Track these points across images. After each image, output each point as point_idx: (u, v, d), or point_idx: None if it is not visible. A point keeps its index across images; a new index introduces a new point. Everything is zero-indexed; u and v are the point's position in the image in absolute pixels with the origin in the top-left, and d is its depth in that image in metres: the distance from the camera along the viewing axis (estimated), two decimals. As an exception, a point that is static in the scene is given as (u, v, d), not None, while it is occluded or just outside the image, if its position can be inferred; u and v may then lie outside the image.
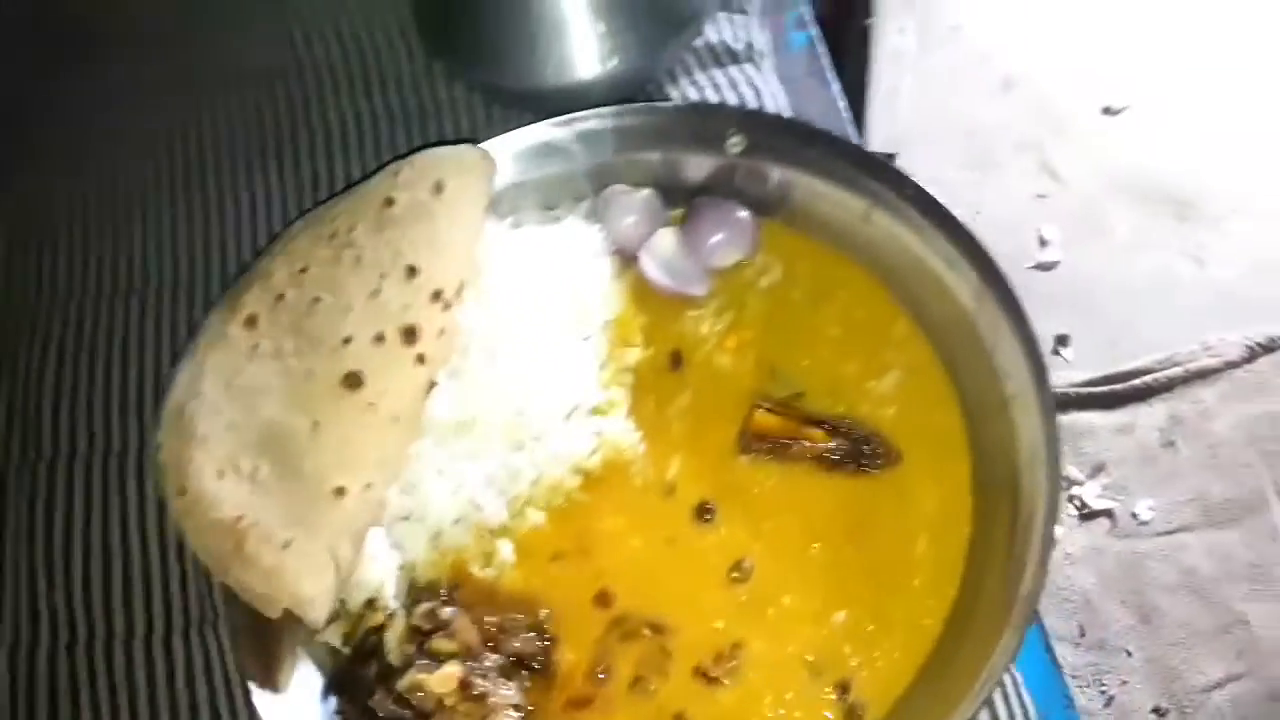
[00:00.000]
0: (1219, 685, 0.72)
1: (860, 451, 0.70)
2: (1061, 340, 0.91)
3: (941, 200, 0.71)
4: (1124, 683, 0.79)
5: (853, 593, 0.68)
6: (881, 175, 0.74)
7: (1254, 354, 1.06)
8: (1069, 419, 0.95)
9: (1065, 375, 1.02)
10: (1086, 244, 0.84)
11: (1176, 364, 0.94)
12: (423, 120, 0.88)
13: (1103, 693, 0.86)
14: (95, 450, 0.80)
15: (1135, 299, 0.89)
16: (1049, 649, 0.71)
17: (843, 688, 0.66)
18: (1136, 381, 1.01)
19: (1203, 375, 1.00)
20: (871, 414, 0.73)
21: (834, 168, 0.76)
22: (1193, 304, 0.96)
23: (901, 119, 1.13)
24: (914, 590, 0.67)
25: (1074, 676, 0.83)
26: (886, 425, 0.72)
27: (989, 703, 0.66)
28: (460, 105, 0.89)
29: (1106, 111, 1.32)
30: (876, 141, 1.30)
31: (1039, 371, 0.66)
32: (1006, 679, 0.67)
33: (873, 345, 0.75)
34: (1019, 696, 0.67)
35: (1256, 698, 0.72)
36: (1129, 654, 0.76)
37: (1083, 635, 0.85)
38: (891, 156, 1.29)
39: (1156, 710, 0.75)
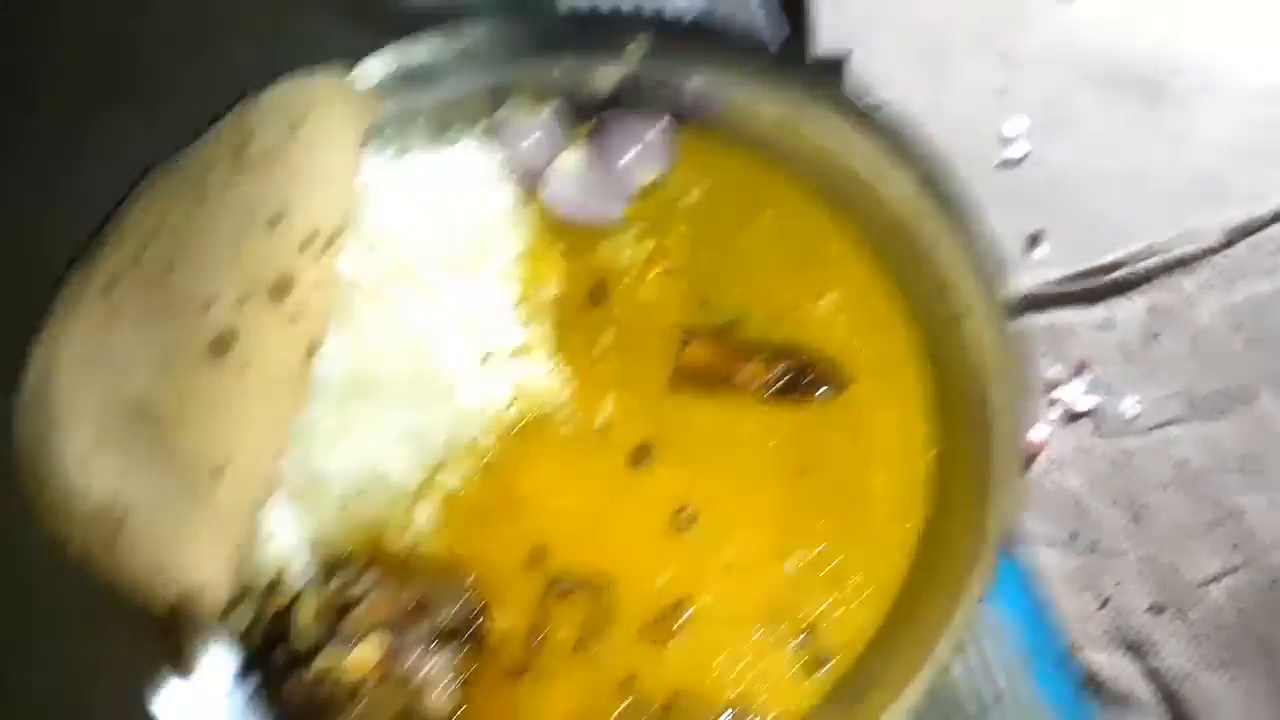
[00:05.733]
0: (1215, 579, 0.70)
1: (804, 379, 0.64)
2: (1034, 239, 0.86)
3: (878, 97, 0.65)
4: (1119, 584, 0.78)
5: (808, 534, 0.62)
6: (801, 75, 0.67)
7: (1233, 238, 1.03)
8: (1047, 318, 0.91)
9: (1041, 274, 0.98)
10: (1053, 136, 0.79)
11: (1155, 254, 0.90)
12: (297, 49, 0.78)
13: (1098, 596, 0.84)
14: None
15: (1109, 189, 0.84)
16: (1034, 583, 0.66)
17: (804, 636, 0.60)
18: (1115, 275, 0.97)
19: (1182, 263, 0.96)
20: (814, 338, 0.66)
21: (748, 71, 0.69)
22: (1168, 190, 0.91)
23: (850, 16, 1.06)
24: (875, 525, 0.62)
25: (1068, 581, 0.81)
26: (831, 349, 0.66)
27: (968, 643, 0.61)
28: (329, 27, 0.79)
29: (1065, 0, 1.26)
30: (825, 41, 1.22)
31: (990, 279, 0.60)
32: (990, 617, 0.63)
33: (809, 264, 0.68)
34: (1003, 636, 0.62)
35: (1254, 589, 0.70)
36: (1123, 554, 0.73)
37: (1075, 539, 0.83)
38: (839, 61, 1.20)
39: (1153, 608, 0.72)
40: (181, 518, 0.57)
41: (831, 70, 0.69)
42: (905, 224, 0.64)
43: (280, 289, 0.59)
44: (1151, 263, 0.88)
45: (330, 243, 0.61)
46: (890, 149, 0.64)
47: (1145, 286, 0.89)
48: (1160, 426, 0.77)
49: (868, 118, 0.64)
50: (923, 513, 0.62)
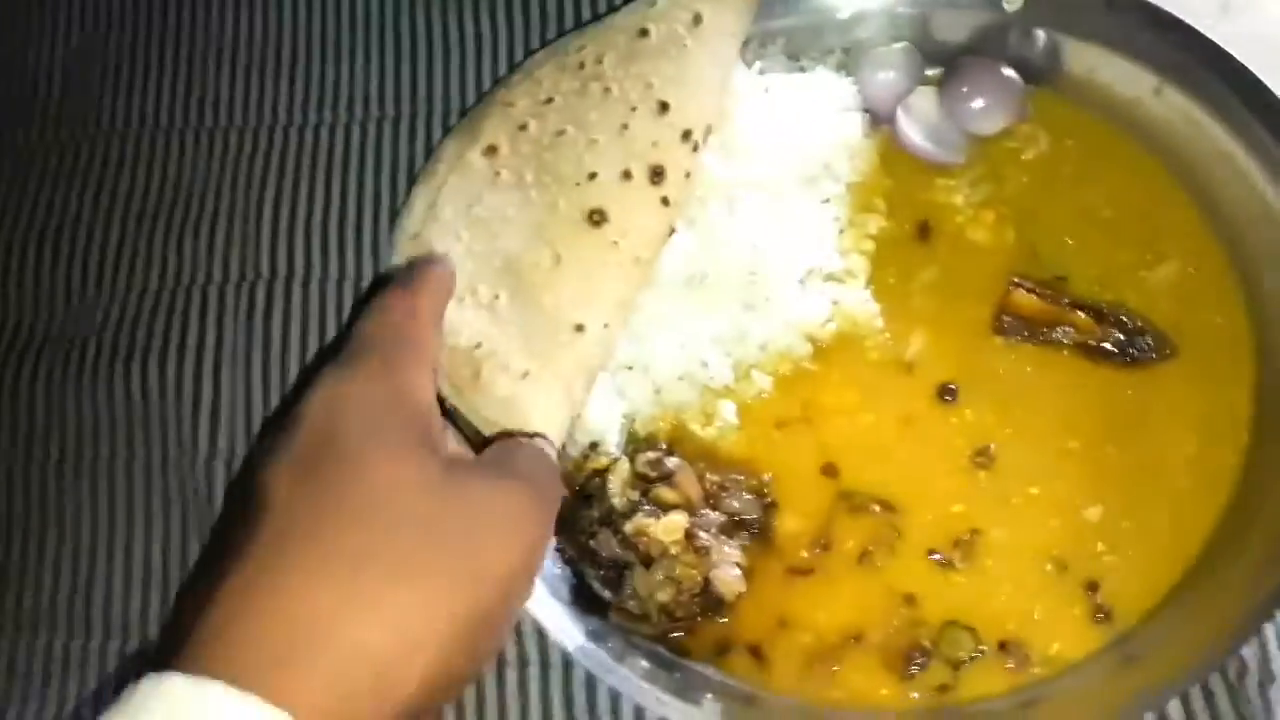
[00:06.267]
0: None
1: (1130, 343, 0.64)
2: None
3: (1258, 74, 0.64)
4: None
5: (1109, 491, 0.63)
6: (1183, 44, 0.67)
7: None
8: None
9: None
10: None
11: None
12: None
13: None
14: (313, 274, 0.79)
15: None
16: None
17: (1091, 586, 0.61)
18: None
19: None
20: (1142, 306, 0.66)
21: (1124, 33, 0.69)
22: None
23: None
24: (1179, 495, 0.62)
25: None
26: (1159, 318, 0.66)
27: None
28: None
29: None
30: None
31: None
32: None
33: (1148, 232, 0.68)
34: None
35: None
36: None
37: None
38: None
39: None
40: (539, 366, 0.63)
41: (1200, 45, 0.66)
42: (1270, 208, 0.63)
43: (659, 173, 0.64)
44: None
45: (705, 138, 0.65)
46: (1268, 131, 0.63)
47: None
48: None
49: (1252, 95, 0.62)
50: (1231, 493, 0.61)
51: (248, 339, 0.79)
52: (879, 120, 0.73)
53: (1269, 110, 0.63)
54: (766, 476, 0.67)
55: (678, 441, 0.68)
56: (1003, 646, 0.61)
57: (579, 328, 0.63)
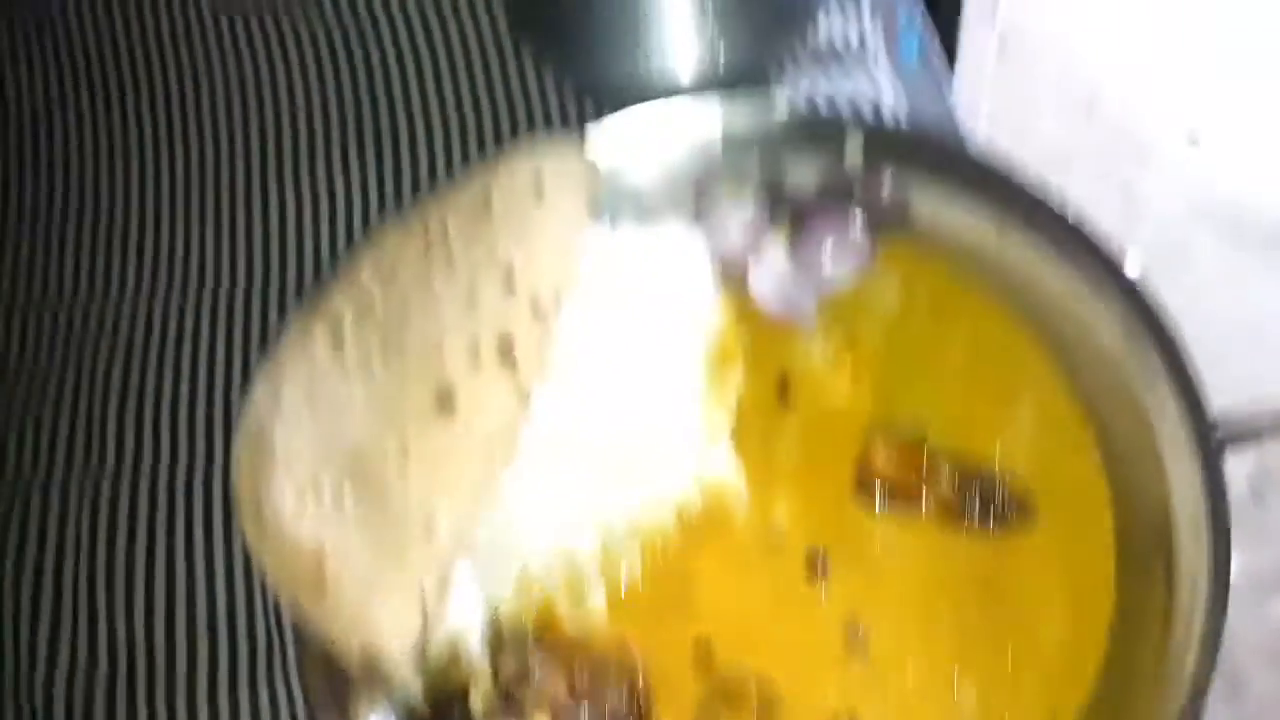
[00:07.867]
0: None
1: (990, 503, 0.64)
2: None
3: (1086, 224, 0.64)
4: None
5: (982, 666, 0.62)
6: (1017, 193, 0.68)
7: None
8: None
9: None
10: (1168, 278, 0.74)
11: (1267, 409, 0.85)
12: (511, 108, 0.82)
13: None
14: (161, 464, 0.76)
15: (1220, 338, 0.79)
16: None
17: (969, 769, 0.60)
18: (1221, 429, 0.91)
19: (1296, 424, 0.91)
20: (1000, 456, 0.66)
21: (963, 183, 0.70)
22: (1285, 344, 0.87)
23: (979, 139, 1.04)
24: (1051, 663, 0.61)
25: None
26: (1018, 470, 0.65)
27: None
28: (551, 93, 0.82)
29: (1192, 141, 1.21)
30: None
31: (1197, 415, 0.61)
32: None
33: (1002, 379, 0.69)
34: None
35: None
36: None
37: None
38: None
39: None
40: (384, 571, 0.60)
41: (1037, 189, 0.68)
42: (1108, 351, 0.63)
43: (508, 346, 0.61)
44: (1263, 418, 0.83)
45: (555, 305, 0.64)
46: (1100, 276, 0.63)
47: (1255, 442, 0.83)
48: (1261, 595, 0.74)
49: (1083, 243, 0.63)
50: (1101, 658, 0.60)
51: (92, 532, 0.74)
52: (732, 272, 0.72)
53: (1095, 252, 0.65)
54: (639, 663, 0.64)
55: (546, 627, 0.65)
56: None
57: (432, 525, 0.60)
